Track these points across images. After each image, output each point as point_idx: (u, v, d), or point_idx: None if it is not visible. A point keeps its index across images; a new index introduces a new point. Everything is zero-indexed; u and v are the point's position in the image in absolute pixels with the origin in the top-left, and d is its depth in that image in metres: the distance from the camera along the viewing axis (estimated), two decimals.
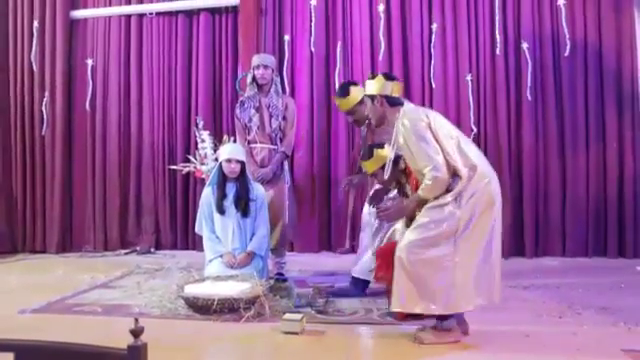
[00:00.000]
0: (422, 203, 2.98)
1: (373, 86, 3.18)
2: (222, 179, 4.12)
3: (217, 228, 4.13)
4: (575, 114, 5.50)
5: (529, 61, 5.58)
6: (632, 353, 2.78)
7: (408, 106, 3.14)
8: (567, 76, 5.55)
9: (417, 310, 2.94)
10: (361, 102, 3.85)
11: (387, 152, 3.34)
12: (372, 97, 3.19)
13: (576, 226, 5.46)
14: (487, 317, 3.33)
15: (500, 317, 3.41)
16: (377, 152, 3.47)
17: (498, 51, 5.63)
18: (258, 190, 4.17)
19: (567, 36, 5.56)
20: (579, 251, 5.44)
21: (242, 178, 4.11)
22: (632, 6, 5.51)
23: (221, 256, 4.06)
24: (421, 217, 2.96)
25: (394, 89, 3.16)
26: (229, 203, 4.09)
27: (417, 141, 2.93)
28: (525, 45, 5.60)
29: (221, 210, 4.09)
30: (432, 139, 2.92)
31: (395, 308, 3.00)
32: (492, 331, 3.19)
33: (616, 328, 3.19)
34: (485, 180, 2.92)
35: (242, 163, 4.09)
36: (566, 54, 5.56)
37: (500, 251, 3.00)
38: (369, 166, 3.54)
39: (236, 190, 4.10)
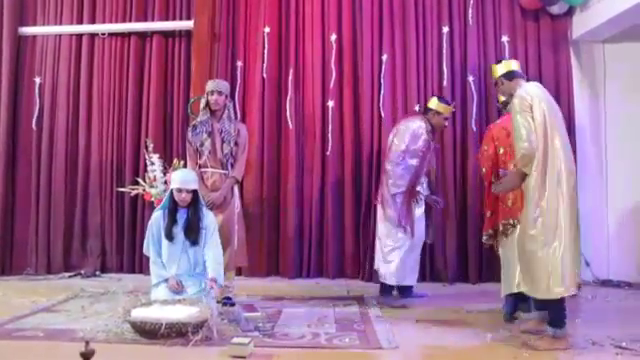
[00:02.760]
0: (523, 176, 3.37)
1: (494, 73, 3.85)
2: (173, 205, 4.04)
3: (164, 253, 4.05)
4: None
5: (474, 93, 5.83)
6: None
7: (527, 85, 3.61)
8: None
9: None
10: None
11: (507, 63, 3.87)
12: (496, 82, 3.84)
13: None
14: (431, 341, 3.44)
15: (442, 342, 3.52)
16: (500, 63, 3.90)
17: (445, 83, 5.84)
18: (208, 217, 4.09)
19: None
20: None
21: (194, 206, 4.03)
22: (568, 44, 5.87)
23: (166, 280, 4.02)
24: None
25: (505, 66, 3.76)
26: (178, 230, 4.02)
27: (519, 117, 3.36)
28: (471, 78, 5.85)
29: (170, 237, 4.01)
30: (529, 118, 3.35)
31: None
32: (434, 354, 3.30)
33: (552, 351, 3.30)
34: (555, 180, 3.31)
35: (194, 191, 4.02)
36: None
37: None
38: (495, 70, 3.89)
39: (187, 218, 4.02)
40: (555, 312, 3.37)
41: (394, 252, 4.71)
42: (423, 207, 4.88)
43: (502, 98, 4.22)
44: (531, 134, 3.31)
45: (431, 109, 4.88)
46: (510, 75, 3.71)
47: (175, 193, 3.99)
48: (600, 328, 3.76)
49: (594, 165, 5.81)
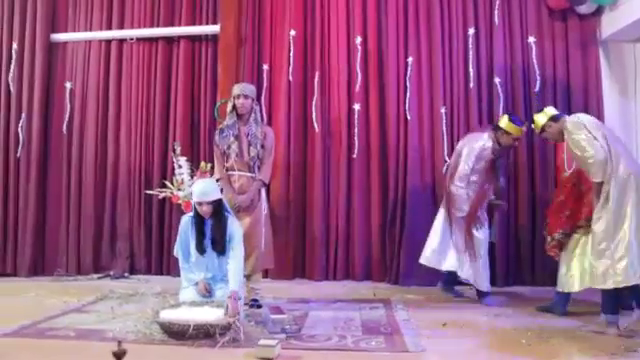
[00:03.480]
0: (598, 187, 3.76)
1: (537, 123, 4.28)
2: (200, 218, 4.01)
3: (193, 260, 4.10)
4: (544, 147, 5.66)
5: (501, 95, 5.76)
6: None
7: (572, 116, 4.06)
8: (537, 110, 5.70)
9: None
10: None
11: (548, 111, 4.30)
12: (542, 129, 4.25)
13: (546, 256, 5.58)
14: (458, 345, 3.42)
15: (469, 345, 3.50)
16: (540, 113, 4.34)
17: (471, 85, 5.79)
18: (233, 226, 4.03)
19: (537, 72, 5.76)
20: (548, 280, 5.55)
21: (217, 217, 3.98)
22: (597, 45, 5.77)
23: (196, 284, 4.07)
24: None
25: (549, 112, 4.24)
26: (208, 242, 4.02)
27: (575, 136, 3.82)
28: (497, 80, 5.78)
29: (201, 251, 4.02)
30: (588, 134, 3.77)
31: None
32: (460, 358, 3.29)
33: (582, 356, 3.28)
34: (625, 176, 3.70)
35: (215, 202, 3.96)
36: (536, 89, 5.75)
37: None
38: (538, 119, 4.31)
39: (212, 230, 4.01)
40: (608, 298, 3.79)
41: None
42: (485, 227, 4.85)
43: (540, 123, 4.30)
44: (593, 142, 3.72)
45: (500, 128, 4.79)
46: (556, 118, 4.15)
47: (196, 206, 3.98)
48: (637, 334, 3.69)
49: None
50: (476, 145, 4.76)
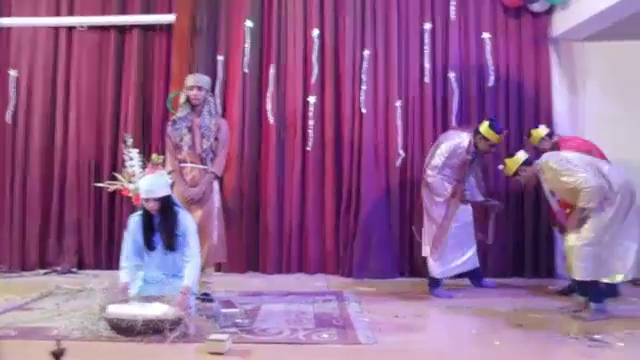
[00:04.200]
0: (584, 212, 3.99)
1: (511, 166, 4.35)
2: (148, 214, 3.88)
3: (146, 258, 3.96)
4: (510, 144, 5.71)
5: (455, 89, 5.83)
6: None
7: (552, 155, 4.26)
8: (490, 105, 5.83)
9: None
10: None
11: (520, 156, 4.34)
12: (516, 172, 4.34)
13: (497, 248, 5.69)
14: (410, 337, 3.44)
15: (421, 337, 3.53)
16: (512, 158, 4.37)
17: (427, 79, 5.84)
18: (184, 221, 3.91)
19: (491, 67, 5.85)
20: (499, 272, 5.67)
21: (165, 214, 3.84)
22: (548, 43, 5.90)
23: (144, 280, 3.90)
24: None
25: (519, 158, 4.30)
26: (157, 238, 3.89)
27: (565, 172, 4.00)
28: (452, 74, 5.85)
29: (151, 247, 3.89)
30: (574, 167, 3.99)
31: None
32: (412, 349, 3.31)
33: (528, 344, 3.37)
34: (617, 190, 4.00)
35: (162, 198, 3.82)
36: (490, 84, 5.85)
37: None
38: (509, 166, 4.39)
39: (160, 227, 3.88)
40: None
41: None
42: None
43: (513, 168, 4.39)
44: (584, 174, 3.92)
45: (479, 132, 4.78)
46: (528, 161, 4.27)
47: (143, 202, 3.86)
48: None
49: None
50: (452, 142, 4.81)
